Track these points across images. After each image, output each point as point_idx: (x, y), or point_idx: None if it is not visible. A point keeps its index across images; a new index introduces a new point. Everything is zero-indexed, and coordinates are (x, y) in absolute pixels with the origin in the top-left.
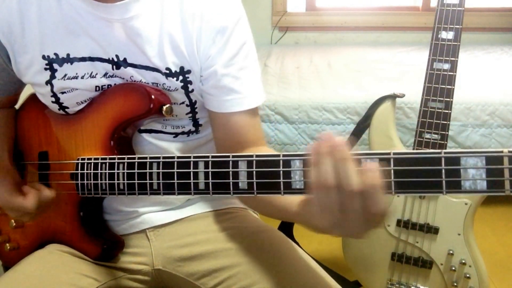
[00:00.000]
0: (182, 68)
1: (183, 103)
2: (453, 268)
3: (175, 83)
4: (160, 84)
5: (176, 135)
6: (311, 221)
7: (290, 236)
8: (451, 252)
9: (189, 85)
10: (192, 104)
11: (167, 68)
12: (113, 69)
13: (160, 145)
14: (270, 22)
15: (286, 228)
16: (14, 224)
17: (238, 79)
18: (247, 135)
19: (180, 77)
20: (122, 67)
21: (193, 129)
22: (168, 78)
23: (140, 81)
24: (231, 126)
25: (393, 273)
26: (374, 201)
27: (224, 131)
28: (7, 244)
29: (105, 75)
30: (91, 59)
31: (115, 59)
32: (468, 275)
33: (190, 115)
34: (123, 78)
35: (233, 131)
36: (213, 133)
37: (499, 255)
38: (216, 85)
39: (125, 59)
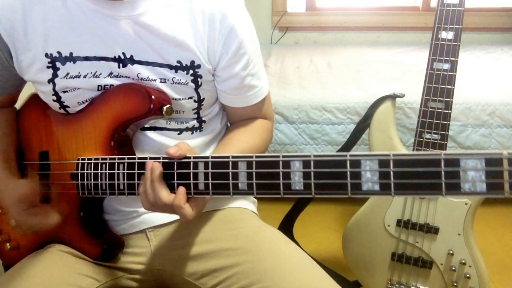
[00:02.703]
0: (192, 62)
1: (191, 98)
2: (453, 268)
3: (185, 76)
4: (168, 79)
5: (180, 131)
6: None
7: (290, 236)
8: (451, 252)
9: (199, 79)
10: (199, 101)
11: (178, 61)
12: (119, 67)
13: (164, 143)
14: (270, 22)
15: (286, 228)
16: (15, 223)
17: (255, 75)
18: (258, 114)
19: (191, 71)
20: (128, 65)
21: (197, 125)
22: (178, 71)
23: (148, 77)
24: (248, 113)
25: (393, 273)
26: (179, 212)
27: (241, 117)
28: (8, 244)
29: (110, 74)
30: (96, 58)
31: (122, 57)
32: (468, 275)
33: (196, 111)
34: (129, 77)
35: (248, 115)
36: (229, 119)
37: (499, 255)
38: (239, 86)
39: (132, 57)
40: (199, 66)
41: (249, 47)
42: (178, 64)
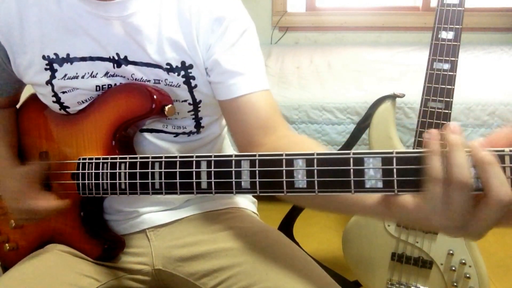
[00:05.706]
0: (183, 62)
1: (185, 101)
2: (453, 268)
3: (177, 78)
4: (162, 81)
5: (176, 134)
6: (422, 218)
7: (290, 236)
8: (451, 252)
9: (191, 80)
10: (195, 103)
11: (168, 64)
12: (114, 67)
13: (160, 145)
14: (270, 22)
15: (286, 228)
16: (14, 224)
17: (239, 61)
18: (262, 120)
19: (182, 72)
20: (123, 65)
21: (194, 130)
22: (169, 73)
23: (141, 78)
24: (243, 111)
25: (393, 273)
26: None
27: (237, 120)
28: (6, 245)
29: (106, 74)
30: (91, 58)
31: (116, 58)
32: (468, 275)
33: (193, 113)
34: (124, 77)
35: (246, 116)
36: (229, 126)
37: (499, 255)
38: (220, 71)
39: (125, 57)
40: (191, 66)
41: (235, 34)
42: (168, 67)
